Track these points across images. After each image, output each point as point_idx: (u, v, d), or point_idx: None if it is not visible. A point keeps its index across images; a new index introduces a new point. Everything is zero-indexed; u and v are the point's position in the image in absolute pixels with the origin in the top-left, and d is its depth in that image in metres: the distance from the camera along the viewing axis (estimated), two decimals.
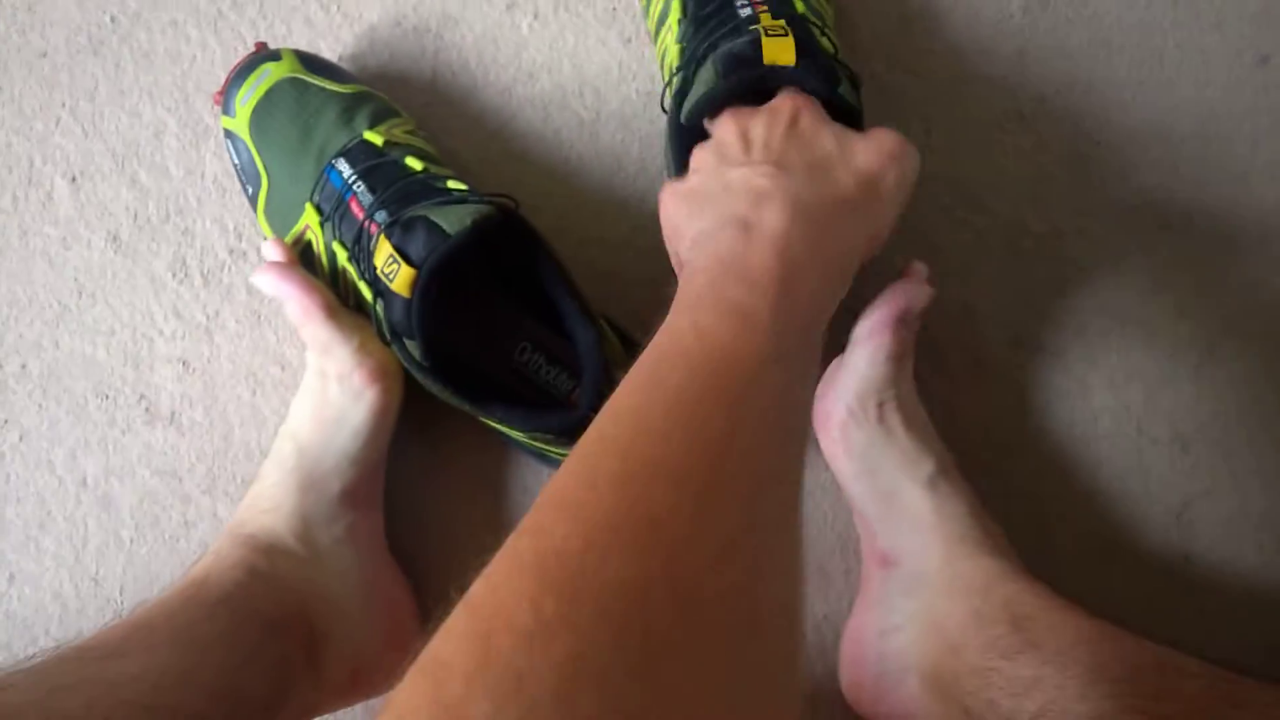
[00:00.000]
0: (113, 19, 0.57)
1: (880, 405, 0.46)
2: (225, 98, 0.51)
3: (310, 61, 0.51)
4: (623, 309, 0.52)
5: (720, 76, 0.42)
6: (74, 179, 0.56)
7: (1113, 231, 0.54)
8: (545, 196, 0.55)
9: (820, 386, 0.49)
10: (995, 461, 0.53)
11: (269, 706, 0.42)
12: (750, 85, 0.42)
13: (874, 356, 0.46)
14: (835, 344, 0.49)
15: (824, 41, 0.45)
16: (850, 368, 0.47)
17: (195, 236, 0.55)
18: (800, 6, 0.47)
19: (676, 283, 0.34)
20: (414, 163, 0.47)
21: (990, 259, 0.54)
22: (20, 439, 0.55)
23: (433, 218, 0.43)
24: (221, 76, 0.56)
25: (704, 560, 0.23)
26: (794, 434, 0.31)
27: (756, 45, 0.42)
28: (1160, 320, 0.54)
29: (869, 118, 0.45)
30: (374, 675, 0.47)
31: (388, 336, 0.45)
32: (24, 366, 0.55)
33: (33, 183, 0.56)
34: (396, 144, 0.48)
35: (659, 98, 0.49)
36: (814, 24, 0.46)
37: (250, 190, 0.51)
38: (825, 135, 0.39)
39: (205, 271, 0.55)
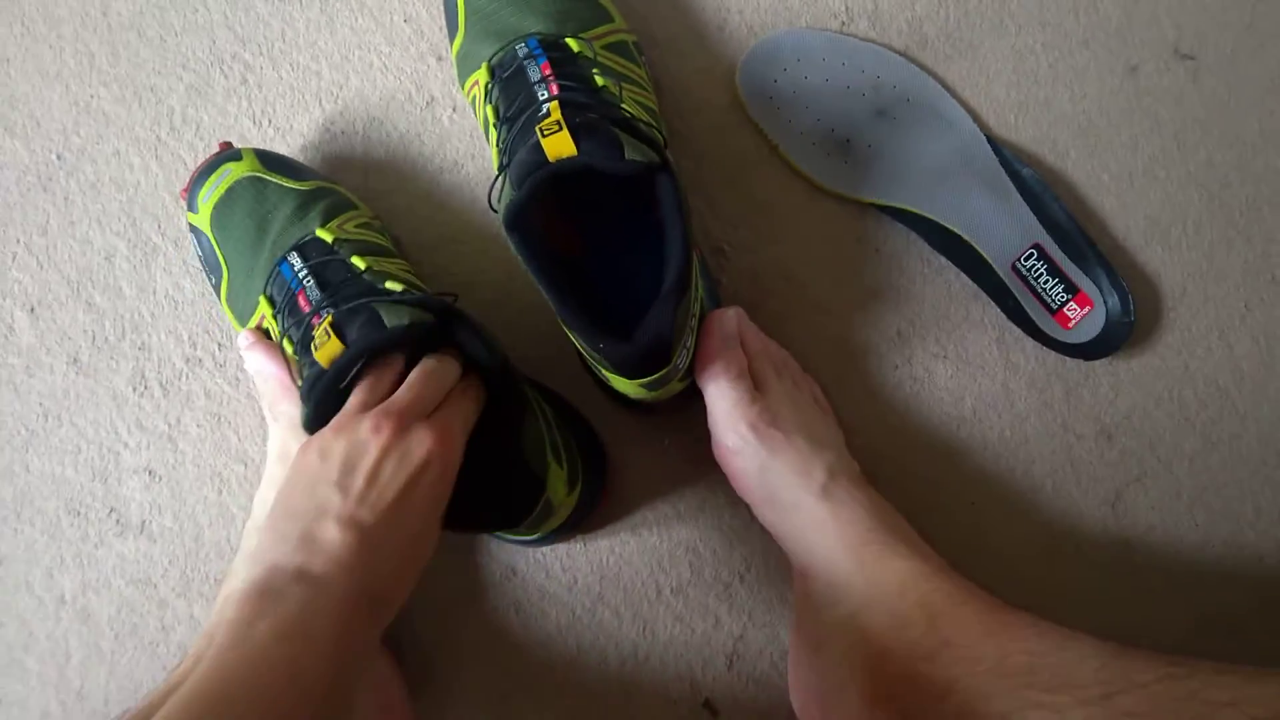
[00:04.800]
0: (59, 156, 0.60)
1: (751, 426, 0.48)
2: (189, 195, 0.53)
3: (270, 159, 0.54)
4: (564, 371, 0.55)
5: (515, 188, 0.43)
6: (32, 309, 0.59)
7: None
8: (480, 272, 0.58)
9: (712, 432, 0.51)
10: (933, 471, 0.55)
11: None
12: (543, 187, 0.43)
13: (715, 388, 0.49)
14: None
15: (628, 108, 0.46)
16: (709, 408, 0.49)
17: (151, 350, 0.58)
18: (600, 80, 0.47)
19: None
20: (359, 261, 0.48)
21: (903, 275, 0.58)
22: None
23: (378, 309, 0.45)
24: (165, 197, 0.60)
25: None
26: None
27: (538, 148, 0.43)
28: None
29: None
30: None
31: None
32: None
33: None
34: (347, 240, 0.50)
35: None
36: (611, 95, 0.46)
37: (214, 280, 0.53)
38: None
39: (164, 382, 0.58)
